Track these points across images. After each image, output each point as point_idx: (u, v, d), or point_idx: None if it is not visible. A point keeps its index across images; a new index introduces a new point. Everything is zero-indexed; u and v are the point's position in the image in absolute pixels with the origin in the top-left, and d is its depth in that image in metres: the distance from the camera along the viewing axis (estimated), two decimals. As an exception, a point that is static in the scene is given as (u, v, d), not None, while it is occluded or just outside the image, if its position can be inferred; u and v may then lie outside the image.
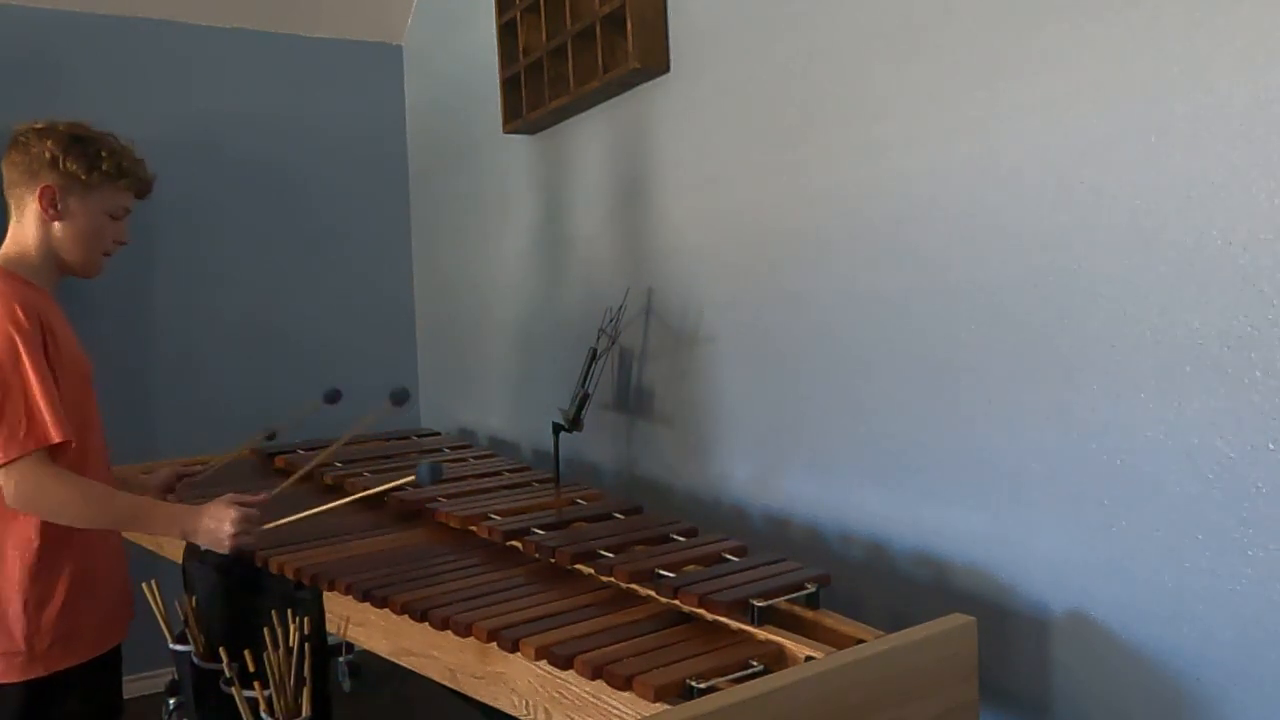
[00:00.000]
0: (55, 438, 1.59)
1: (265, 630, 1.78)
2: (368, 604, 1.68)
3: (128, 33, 3.35)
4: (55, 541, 1.69)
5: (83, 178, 1.72)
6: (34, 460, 1.58)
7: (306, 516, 1.85)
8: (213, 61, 3.49)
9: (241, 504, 1.76)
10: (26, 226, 1.74)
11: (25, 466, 1.57)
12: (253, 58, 3.56)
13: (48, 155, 1.71)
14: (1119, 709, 1.45)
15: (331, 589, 1.77)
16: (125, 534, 2.01)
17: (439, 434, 3.20)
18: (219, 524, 1.71)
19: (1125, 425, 1.41)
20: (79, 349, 1.79)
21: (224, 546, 1.72)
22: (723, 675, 1.28)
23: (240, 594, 2.05)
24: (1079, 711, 1.50)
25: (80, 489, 1.63)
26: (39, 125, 1.75)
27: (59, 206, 1.73)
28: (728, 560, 1.68)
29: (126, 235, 1.82)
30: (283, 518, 1.83)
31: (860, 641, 1.35)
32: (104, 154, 1.75)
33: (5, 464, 1.57)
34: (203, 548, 1.74)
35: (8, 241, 1.76)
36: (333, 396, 2.52)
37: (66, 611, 1.70)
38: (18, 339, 1.59)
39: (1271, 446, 1.25)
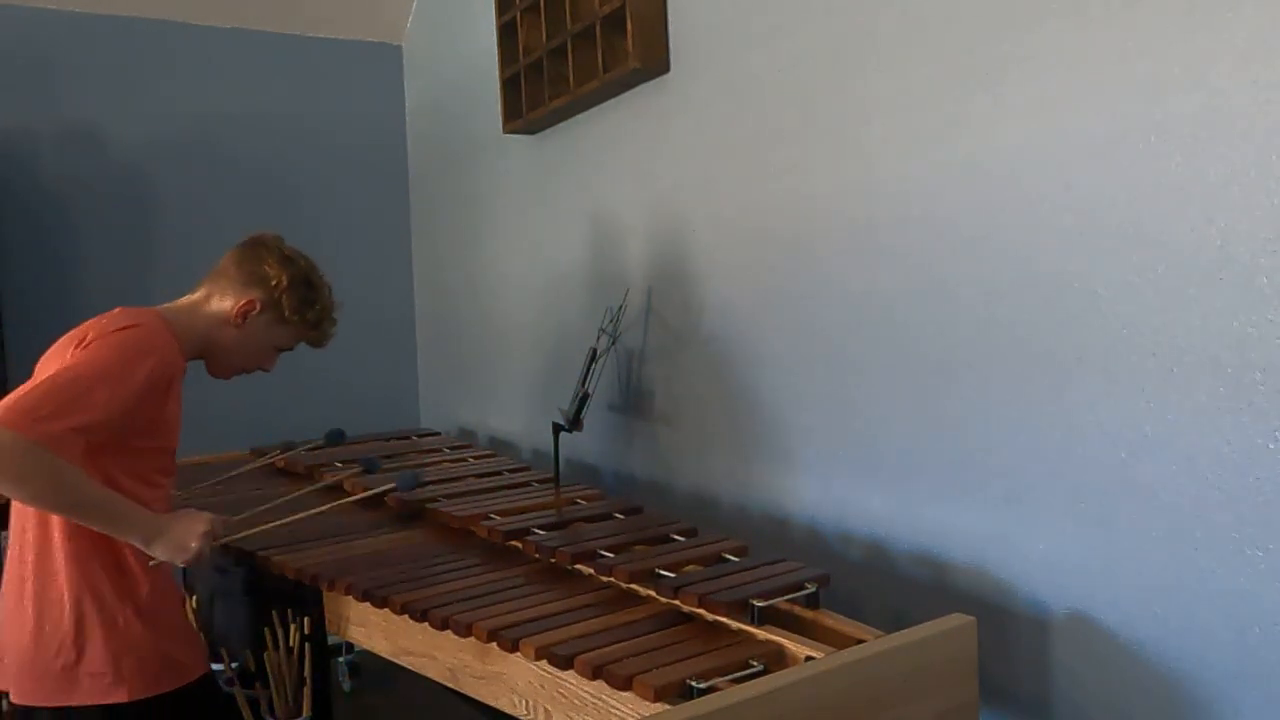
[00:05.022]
0: (51, 446, 1.45)
1: (265, 630, 1.78)
2: (368, 604, 1.68)
3: (128, 33, 3.35)
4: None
5: (285, 314, 1.81)
6: (29, 439, 1.43)
7: (262, 530, 1.84)
8: (213, 61, 3.49)
9: (209, 519, 1.67)
10: (207, 308, 1.79)
11: (15, 436, 1.42)
12: (253, 58, 3.56)
13: (273, 280, 1.79)
14: (1119, 709, 1.45)
15: (331, 589, 1.77)
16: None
17: (439, 434, 3.20)
18: (187, 533, 1.61)
19: (1125, 425, 1.41)
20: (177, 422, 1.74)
21: (186, 554, 1.61)
22: (723, 675, 1.28)
23: (242, 594, 2.05)
24: (1079, 711, 1.50)
25: (56, 465, 1.46)
26: (286, 251, 1.86)
27: (246, 320, 1.79)
28: (728, 560, 1.68)
29: (272, 366, 1.90)
30: (241, 530, 1.81)
31: (860, 641, 1.35)
32: (317, 306, 1.86)
33: (3, 423, 1.42)
34: (153, 561, 1.63)
35: (183, 303, 1.80)
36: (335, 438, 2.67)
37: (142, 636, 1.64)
38: (131, 371, 1.54)
39: (1271, 446, 1.25)
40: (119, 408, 1.54)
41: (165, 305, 1.78)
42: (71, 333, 1.69)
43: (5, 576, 1.69)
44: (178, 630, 1.71)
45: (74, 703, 1.60)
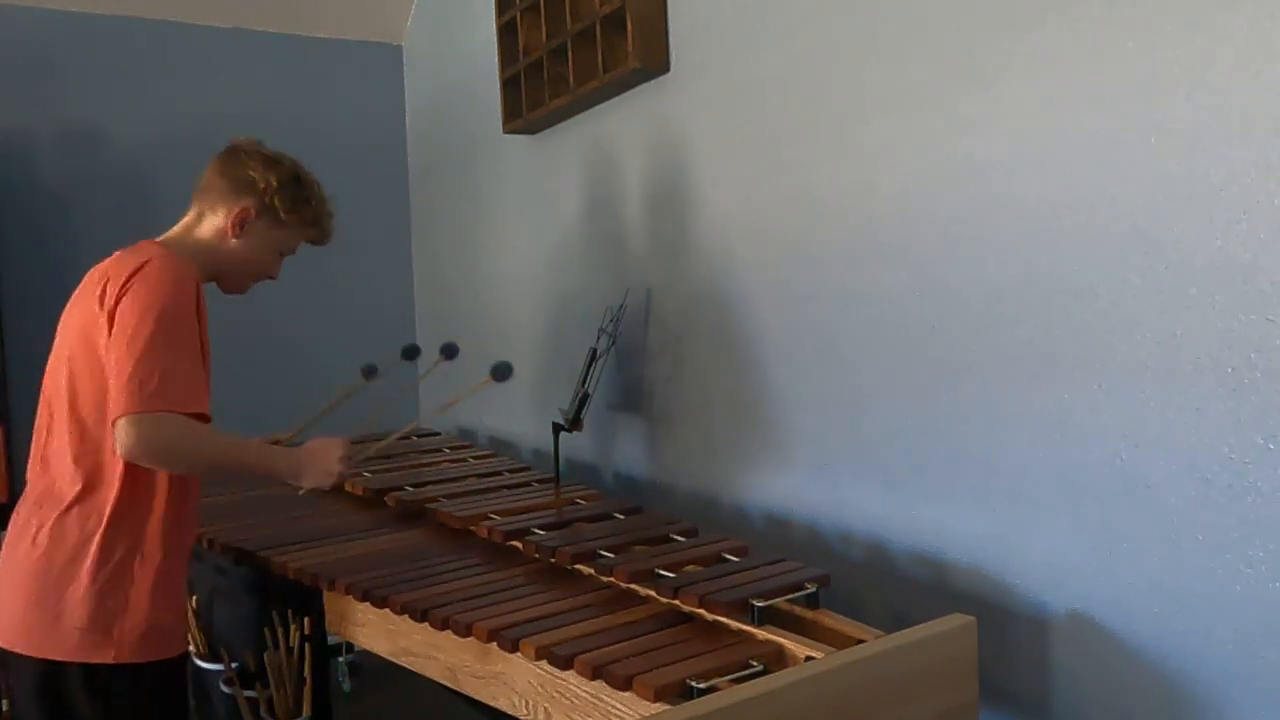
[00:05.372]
0: (195, 407, 1.54)
1: (265, 630, 1.78)
2: (368, 604, 1.68)
3: (128, 33, 3.35)
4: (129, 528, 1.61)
5: (281, 215, 1.76)
6: (161, 414, 1.50)
7: (391, 442, 2.00)
8: (213, 61, 3.49)
9: (341, 443, 1.76)
10: (202, 227, 1.75)
11: (149, 417, 1.49)
12: (253, 58, 3.56)
13: (262, 184, 1.74)
14: (1119, 709, 1.45)
15: (331, 589, 1.77)
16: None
17: (439, 434, 3.20)
18: (327, 458, 1.72)
19: (1125, 425, 1.41)
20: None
21: (331, 477, 1.72)
22: (723, 675, 1.28)
23: (242, 594, 2.05)
24: (1079, 711, 1.50)
25: (196, 434, 1.55)
26: (267, 153, 1.79)
27: (244, 228, 1.74)
28: (728, 560, 1.68)
29: (277, 272, 1.85)
30: (366, 451, 1.92)
31: (860, 641, 1.35)
32: (312, 203, 1.80)
33: (133, 414, 1.48)
34: (303, 489, 1.73)
35: (177, 230, 1.77)
36: (410, 353, 2.60)
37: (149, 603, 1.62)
38: (180, 305, 1.58)
39: (1271, 447, 1.25)
40: (197, 340, 1.60)
41: (160, 237, 1.75)
42: (82, 290, 1.66)
43: (14, 516, 1.64)
44: (176, 605, 1.67)
45: (58, 657, 1.55)
